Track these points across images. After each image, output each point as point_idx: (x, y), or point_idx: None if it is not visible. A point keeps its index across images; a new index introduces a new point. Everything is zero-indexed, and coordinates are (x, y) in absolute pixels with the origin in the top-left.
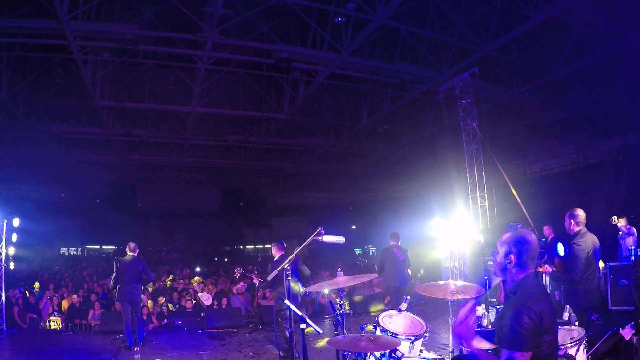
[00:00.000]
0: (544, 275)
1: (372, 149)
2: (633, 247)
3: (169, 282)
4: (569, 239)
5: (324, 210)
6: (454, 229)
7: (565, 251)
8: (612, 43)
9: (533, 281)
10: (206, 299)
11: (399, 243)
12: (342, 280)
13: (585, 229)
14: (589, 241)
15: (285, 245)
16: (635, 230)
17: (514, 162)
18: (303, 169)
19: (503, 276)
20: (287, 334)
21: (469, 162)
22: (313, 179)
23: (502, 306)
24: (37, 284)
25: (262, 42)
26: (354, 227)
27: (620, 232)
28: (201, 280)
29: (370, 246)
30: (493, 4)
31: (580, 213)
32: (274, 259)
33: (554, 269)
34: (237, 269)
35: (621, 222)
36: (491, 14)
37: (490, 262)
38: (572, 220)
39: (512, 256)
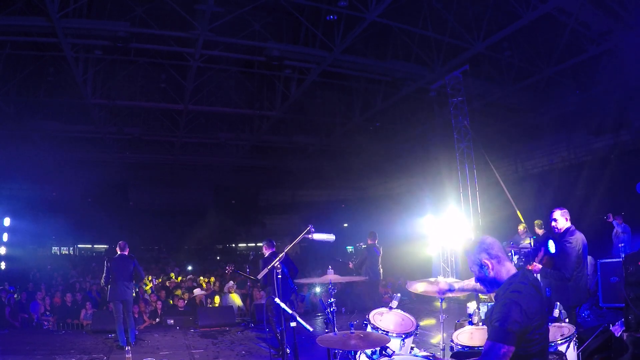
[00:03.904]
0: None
1: (364, 146)
2: (622, 245)
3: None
4: (559, 237)
5: (316, 208)
6: (446, 227)
7: (555, 248)
8: (604, 41)
9: (522, 279)
10: (198, 292)
11: None
12: (332, 278)
13: (573, 226)
14: (579, 238)
15: (275, 243)
16: (629, 228)
17: (505, 159)
18: (295, 166)
19: (495, 286)
20: (278, 331)
21: (460, 160)
22: (305, 177)
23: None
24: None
25: (253, 40)
26: (346, 224)
27: (615, 230)
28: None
29: (362, 244)
30: (486, 2)
31: (566, 210)
32: (265, 257)
33: (543, 266)
34: (229, 267)
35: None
36: (483, 12)
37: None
38: (565, 218)
39: (485, 260)
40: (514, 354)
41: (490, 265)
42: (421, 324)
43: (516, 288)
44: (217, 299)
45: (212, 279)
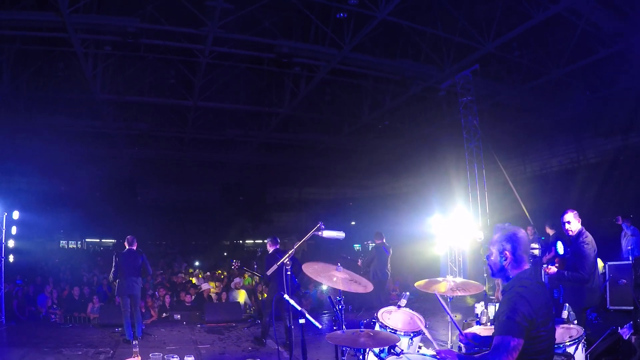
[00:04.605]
0: (542, 274)
1: (372, 145)
2: (630, 247)
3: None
4: (574, 238)
5: (323, 206)
6: (454, 226)
7: (566, 250)
8: (614, 42)
9: (530, 276)
10: (206, 287)
11: None
12: (338, 275)
13: (583, 227)
14: (592, 239)
15: (278, 240)
16: (638, 231)
17: (513, 159)
18: (303, 164)
19: (500, 276)
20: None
21: (469, 160)
22: (313, 175)
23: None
24: None
25: (263, 37)
26: (353, 222)
27: (624, 233)
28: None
29: (369, 242)
30: (496, 2)
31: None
32: (269, 253)
33: (558, 268)
34: (235, 263)
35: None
36: (494, 12)
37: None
38: (578, 219)
39: (507, 252)
40: (520, 352)
41: (509, 259)
42: (429, 323)
43: (523, 284)
44: (238, 294)
45: (222, 276)
